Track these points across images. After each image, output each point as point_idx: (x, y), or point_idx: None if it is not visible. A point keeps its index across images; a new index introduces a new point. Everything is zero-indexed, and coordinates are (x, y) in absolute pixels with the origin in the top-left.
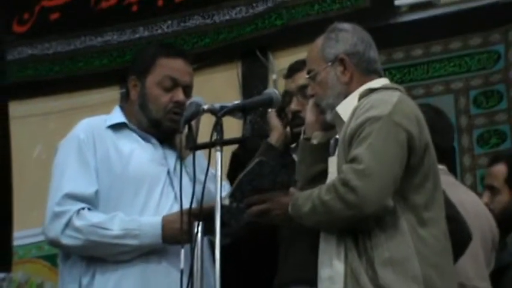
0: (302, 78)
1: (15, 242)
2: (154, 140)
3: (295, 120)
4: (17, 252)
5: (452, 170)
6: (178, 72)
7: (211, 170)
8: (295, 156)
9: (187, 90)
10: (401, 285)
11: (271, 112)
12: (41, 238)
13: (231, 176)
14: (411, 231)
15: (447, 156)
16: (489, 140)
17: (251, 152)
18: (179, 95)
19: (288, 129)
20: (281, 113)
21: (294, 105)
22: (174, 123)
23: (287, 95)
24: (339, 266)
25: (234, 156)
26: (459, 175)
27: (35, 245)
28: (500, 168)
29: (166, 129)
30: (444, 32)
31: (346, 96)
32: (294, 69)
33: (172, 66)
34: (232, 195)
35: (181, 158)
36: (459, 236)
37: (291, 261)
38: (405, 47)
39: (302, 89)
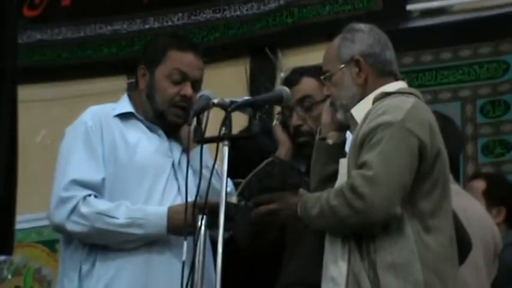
0: (300, 91)
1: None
2: (160, 132)
3: (297, 134)
4: (16, 236)
5: (456, 177)
6: (189, 66)
7: (216, 166)
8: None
9: (196, 84)
10: None
11: (277, 126)
12: (41, 223)
13: None
14: (416, 236)
15: (453, 165)
16: (494, 150)
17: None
18: (187, 89)
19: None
20: (285, 126)
21: (294, 120)
22: (178, 117)
23: (287, 109)
24: (342, 268)
25: None
26: (462, 183)
27: (34, 229)
28: (480, 183)
29: (170, 122)
30: (454, 39)
31: (361, 98)
32: (291, 82)
33: (182, 60)
34: (240, 194)
35: (188, 150)
36: (459, 245)
37: (294, 263)
38: (415, 52)
39: (301, 101)
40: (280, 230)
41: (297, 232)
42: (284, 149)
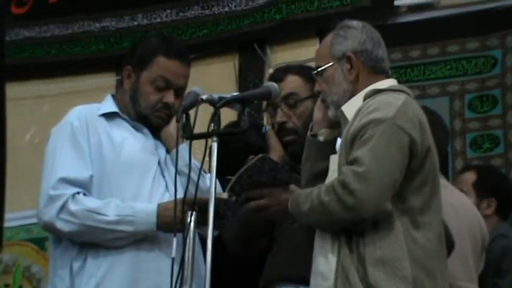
0: (284, 88)
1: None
2: (146, 130)
3: (282, 132)
4: (5, 234)
5: (444, 172)
6: (174, 74)
7: (196, 163)
8: None
9: (180, 91)
10: (391, 285)
11: (270, 131)
12: (30, 221)
13: None
14: (404, 232)
15: (441, 160)
16: (482, 144)
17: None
18: (169, 97)
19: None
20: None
21: (279, 117)
22: (162, 120)
23: (271, 107)
24: (332, 262)
25: None
26: (451, 178)
27: (23, 227)
28: (470, 175)
29: (154, 125)
30: (442, 34)
31: (352, 95)
32: (275, 79)
33: (168, 68)
34: (231, 189)
35: (177, 148)
36: None
37: (278, 259)
38: (403, 48)
39: (285, 99)
40: (270, 237)
41: (284, 227)
42: (275, 155)
